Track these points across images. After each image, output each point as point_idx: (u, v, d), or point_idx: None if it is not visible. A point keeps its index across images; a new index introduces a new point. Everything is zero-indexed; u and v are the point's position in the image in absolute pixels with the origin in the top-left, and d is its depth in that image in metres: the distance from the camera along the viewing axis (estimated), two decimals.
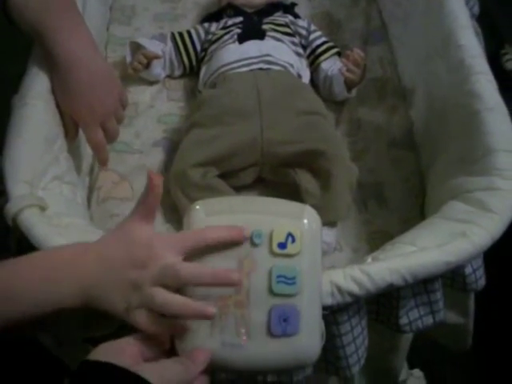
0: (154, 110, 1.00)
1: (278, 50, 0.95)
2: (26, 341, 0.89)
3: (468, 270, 0.64)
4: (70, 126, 0.78)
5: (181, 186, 0.84)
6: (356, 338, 0.64)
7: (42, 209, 0.62)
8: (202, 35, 1.02)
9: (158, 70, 1.01)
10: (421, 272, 0.60)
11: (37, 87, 0.73)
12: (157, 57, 0.98)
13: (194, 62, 1.03)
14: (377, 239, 0.86)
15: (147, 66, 0.98)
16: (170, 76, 1.04)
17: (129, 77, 1.02)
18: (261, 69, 0.92)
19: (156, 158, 0.94)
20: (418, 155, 0.95)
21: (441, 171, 0.82)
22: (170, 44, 1.02)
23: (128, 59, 1.00)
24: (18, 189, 0.62)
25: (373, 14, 1.15)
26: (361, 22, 1.14)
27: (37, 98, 0.71)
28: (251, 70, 0.92)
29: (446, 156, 0.81)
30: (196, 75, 1.03)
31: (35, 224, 0.59)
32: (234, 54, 0.94)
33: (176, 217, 0.86)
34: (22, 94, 0.71)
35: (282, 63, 0.93)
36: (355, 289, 0.58)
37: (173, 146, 0.94)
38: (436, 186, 0.82)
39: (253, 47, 0.95)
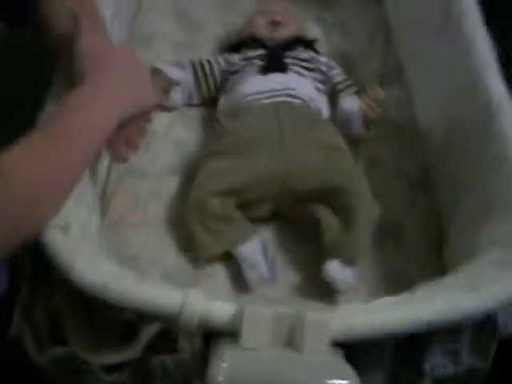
0: (171, 137, 0.99)
1: (300, 84, 0.95)
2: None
3: (501, 317, 0.62)
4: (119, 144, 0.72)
5: (198, 215, 0.82)
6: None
7: (65, 229, 0.59)
8: (222, 65, 1.02)
9: (177, 97, 1.00)
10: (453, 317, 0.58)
11: None
12: (177, 84, 0.98)
13: (214, 92, 1.02)
14: (394, 281, 0.85)
15: (167, 92, 0.97)
16: (187, 104, 1.03)
17: None
18: (283, 102, 0.91)
19: (171, 184, 0.92)
20: (434, 197, 0.95)
21: (465, 215, 0.81)
22: (189, 72, 1.02)
23: None
24: None
25: (389, 54, 1.16)
26: (377, 63, 1.15)
27: None
28: (273, 102, 0.91)
29: (470, 200, 0.80)
30: (213, 104, 1.02)
31: (61, 247, 0.57)
32: (257, 85, 0.94)
33: (191, 245, 0.84)
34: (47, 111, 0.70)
35: (303, 97, 0.93)
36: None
37: (189, 174, 0.93)
38: (460, 229, 0.81)
39: (276, 80, 0.94)
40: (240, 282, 0.82)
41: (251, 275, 0.80)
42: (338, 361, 0.52)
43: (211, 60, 1.03)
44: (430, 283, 0.66)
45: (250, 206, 0.86)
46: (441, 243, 0.89)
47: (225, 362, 0.50)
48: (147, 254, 0.82)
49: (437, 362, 0.66)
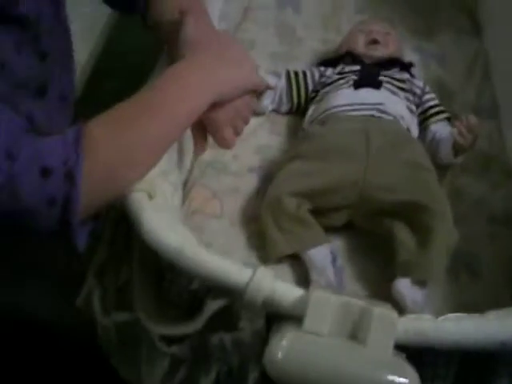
0: (255, 139, 1.01)
1: (391, 102, 0.94)
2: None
3: None
4: (200, 134, 0.74)
5: (273, 213, 0.83)
6: None
7: (150, 196, 0.62)
8: (317, 77, 1.04)
9: (267, 102, 1.02)
10: None
11: None
12: (270, 88, 1.00)
13: (303, 102, 1.04)
14: (463, 311, 0.81)
15: (259, 95, 1.00)
16: (276, 110, 1.05)
17: None
18: (372, 116, 0.91)
19: (250, 182, 0.94)
20: None
21: None
22: (283, 80, 1.04)
23: None
24: None
25: (486, 88, 1.14)
26: (472, 95, 1.13)
27: None
28: (363, 116, 0.91)
29: None
30: (301, 114, 1.04)
31: (144, 208, 0.59)
32: (348, 97, 0.95)
33: (261, 244, 0.85)
34: None
35: (394, 114, 0.93)
36: None
37: (267, 175, 0.94)
38: None
39: (368, 94, 0.95)
40: (305, 286, 0.81)
41: (318, 280, 0.79)
42: (401, 360, 0.50)
43: (307, 71, 1.05)
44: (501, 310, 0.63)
45: (324, 213, 0.86)
46: None
47: (285, 341, 0.49)
48: (218, 245, 0.83)
49: None
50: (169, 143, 0.65)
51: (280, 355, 0.48)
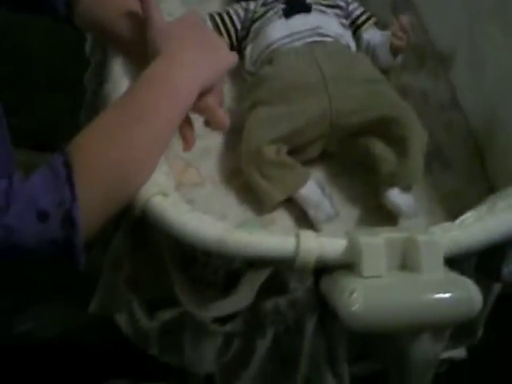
0: None
1: (326, 23, 0.95)
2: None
3: None
4: (188, 128, 0.71)
5: (256, 165, 0.84)
6: None
7: (166, 195, 0.61)
8: (242, 14, 1.01)
9: None
10: None
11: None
12: None
13: (235, 43, 1.02)
14: (447, 200, 0.89)
15: None
16: None
17: None
18: (315, 41, 0.92)
19: (216, 140, 0.93)
20: (466, 117, 0.98)
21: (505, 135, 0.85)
22: (209, 25, 1.01)
23: None
24: None
25: None
26: None
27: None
28: (306, 44, 0.92)
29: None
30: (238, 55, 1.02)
31: (168, 210, 0.58)
32: (283, 29, 0.94)
33: (251, 196, 0.86)
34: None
35: (333, 35, 0.94)
36: None
37: (231, 127, 0.93)
38: (504, 149, 0.85)
39: (301, 21, 0.94)
40: (305, 224, 0.85)
41: (317, 214, 0.83)
42: (456, 275, 0.55)
43: (230, 11, 1.02)
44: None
45: (300, 150, 0.88)
46: (482, 157, 0.94)
47: (356, 292, 0.52)
48: (214, 210, 0.84)
49: None
50: (164, 147, 0.63)
51: (358, 308, 0.51)
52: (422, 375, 0.78)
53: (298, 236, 0.57)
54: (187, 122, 0.70)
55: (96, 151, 0.57)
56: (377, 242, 0.55)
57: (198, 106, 0.67)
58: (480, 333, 0.83)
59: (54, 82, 1.44)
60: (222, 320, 0.66)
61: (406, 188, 0.84)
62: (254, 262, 0.59)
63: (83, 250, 0.55)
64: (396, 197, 0.83)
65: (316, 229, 0.84)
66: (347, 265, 0.57)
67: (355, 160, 0.90)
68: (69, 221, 0.52)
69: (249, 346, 0.70)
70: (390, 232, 0.58)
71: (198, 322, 0.66)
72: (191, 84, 0.64)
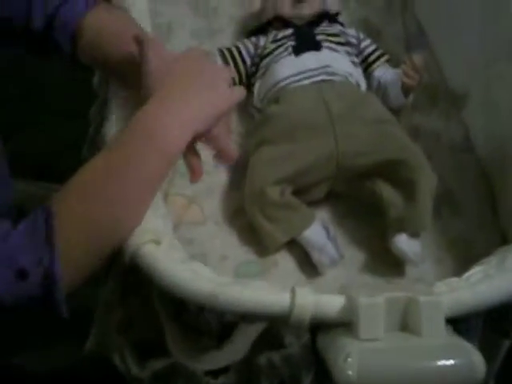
0: None
1: (336, 61, 0.94)
2: None
3: None
4: (195, 160, 0.68)
5: (259, 206, 0.82)
6: None
7: (157, 242, 0.59)
8: (252, 50, 1.00)
9: None
10: None
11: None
12: None
13: (244, 79, 1.01)
14: (456, 246, 0.86)
15: None
16: None
17: None
18: (323, 80, 0.90)
19: (221, 177, 0.91)
20: (479, 158, 0.96)
21: None
22: (218, 60, 1.00)
23: None
24: None
25: (410, 19, 1.15)
26: (398, 28, 1.14)
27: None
28: (314, 83, 0.90)
29: None
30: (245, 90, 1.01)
31: (159, 259, 0.56)
32: (292, 66, 0.93)
33: (253, 237, 0.84)
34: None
35: (342, 73, 0.92)
36: None
37: (235, 166, 0.92)
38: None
39: (311, 59, 0.93)
40: (308, 267, 0.82)
41: (321, 258, 0.80)
42: (458, 339, 0.52)
43: (240, 46, 1.01)
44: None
45: (306, 191, 0.86)
46: (494, 202, 0.90)
47: (351, 358, 0.50)
48: (214, 250, 0.82)
49: None
50: (150, 200, 0.61)
51: (352, 373, 0.49)
52: None
53: (293, 292, 0.55)
54: (194, 153, 0.68)
55: (76, 208, 0.56)
56: (376, 303, 0.53)
57: (206, 138, 0.66)
58: None
59: (64, 108, 1.45)
60: (215, 372, 0.63)
61: (414, 234, 0.81)
62: (248, 317, 0.57)
63: (65, 301, 0.54)
64: (403, 243, 0.80)
65: (319, 272, 0.82)
66: (344, 323, 0.55)
67: (362, 202, 0.87)
68: (49, 278, 0.52)
69: None
70: (390, 291, 0.55)
71: (191, 373, 0.64)
72: (183, 128, 0.61)
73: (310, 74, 0.91)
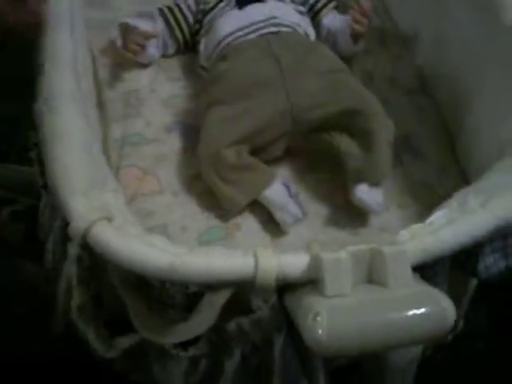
0: (156, 94, 0.94)
1: (281, 11, 0.90)
2: None
3: None
4: None
5: (216, 169, 0.79)
6: None
7: (110, 219, 0.56)
8: (193, 6, 0.96)
9: (153, 50, 0.94)
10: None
11: (60, 88, 0.66)
12: (154, 36, 0.91)
13: (188, 37, 0.96)
14: (418, 191, 0.85)
15: (144, 47, 0.91)
16: (163, 55, 0.97)
17: (119, 63, 0.95)
18: (270, 33, 0.87)
19: (174, 144, 0.88)
20: (434, 101, 0.94)
21: (479, 117, 0.80)
22: (159, 21, 0.95)
23: (119, 43, 0.92)
24: (77, 202, 0.56)
25: None
26: None
27: (64, 101, 0.64)
28: (261, 36, 0.86)
29: (481, 102, 0.79)
30: (191, 50, 0.97)
31: (112, 237, 0.53)
32: (237, 21, 0.89)
33: (214, 202, 0.81)
34: (45, 97, 0.64)
35: (289, 24, 0.89)
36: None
37: (188, 129, 0.89)
38: (474, 133, 0.81)
39: (255, 11, 0.89)
40: (272, 227, 0.81)
41: (283, 217, 0.78)
42: (426, 287, 0.52)
43: (180, 4, 0.96)
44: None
45: (264, 149, 0.83)
46: (453, 144, 0.90)
47: (320, 316, 0.48)
48: (175, 220, 0.79)
49: (489, 261, 0.67)
50: None
51: (322, 332, 0.48)
52: (403, 374, 0.75)
53: (255, 256, 0.53)
54: None
55: None
56: (340, 258, 0.51)
57: None
58: (460, 325, 0.81)
59: None
60: (184, 344, 0.62)
61: (375, 183, 0.80)
62: (212, 286, 0.55)
63: None
64: (364, 193, 0.78)
65: (284, 231, 0.80)
66: (311, 282, 0.53)
67: (321, 156, 0.85)
68: None
69: (217, 367, 0.66)
70: (355, 244, 0.54)
71: (160, 348, 0.62)
72: None
73: (256, 26, 0.87)
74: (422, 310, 0.49)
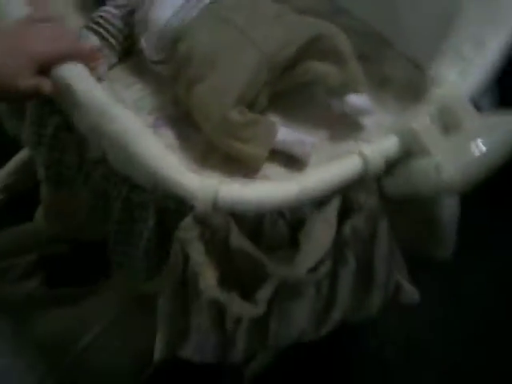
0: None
1: None
2: None
3: None
4: None
5: (228, 134, 0.83)
6: None
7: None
8: (115, 11, 0.97)
9: (103, 68, 0.94)
10: None
11: None
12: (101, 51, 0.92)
13: (124, 42, 0.98)
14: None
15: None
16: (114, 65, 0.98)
17: None
18: (210, 3, 0.91)
19: (168, 136, 0.89)
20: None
21: None
22: (92, 39, 0.95)
23: None
24: (190, 178, 0.59)
25: None
26: None
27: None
28: (202, 9, 0.91)
29: None
30: (129, 54, 0.99)
31: (241, 189, 0.57)
32: (170, 5, 0.91)
33: (233, 167, 0.85)
34: None
35: None
36: None
37: (172, 119, 0.91)
38: None
39: None
40: (293, 163, 0.86)
41: (304, 149, 0.85)
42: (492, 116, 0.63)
43: (102, 14, 0.97)
44: None
45: (252, 105, 0.89)
46: None
47: (440, 165, 0.57)
48: None
49: None
50: None
51: (453, 174, 0.57)
52: (450, 232, 0.87)
53: (360, 153, 0.60)
54: None
55: None
56: (422, 121, 0.60)
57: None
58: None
59: None
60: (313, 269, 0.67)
61: (359, 91, 0.89)
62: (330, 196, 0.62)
63: None
64: (355, 100, 0.88)
65: (304, 162, 0.87)
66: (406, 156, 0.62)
67: (305, 94, 0.93)
68: None
69: (334, 281, 0.72)
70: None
71: (292, 284, 0.67)
72: None
73: (193, 3, 0.91)
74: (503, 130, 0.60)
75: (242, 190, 0.58)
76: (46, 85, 0.69)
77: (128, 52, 1.00)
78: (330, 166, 0.62)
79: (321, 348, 1.08)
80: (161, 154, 0.61)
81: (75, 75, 0.66)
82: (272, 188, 0.59)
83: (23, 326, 0.84)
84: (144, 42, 0.95)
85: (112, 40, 0.97)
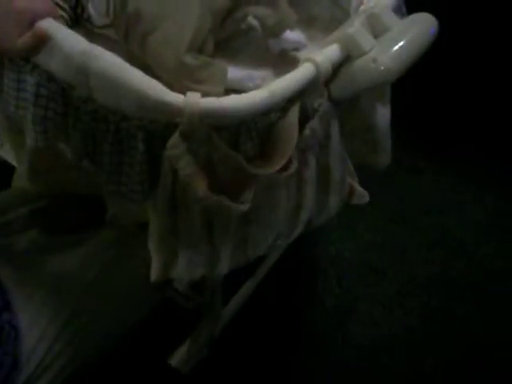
0: None
1: None
2: None
3: None
4: None
5: (185, 78, 0.91)
6: None
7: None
8: None
9: None
10: None
11: None
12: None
13: (71, 12, 1.04)
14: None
15: None
16: None
17: None
18: None
19: None
20: None
21: None
22: None
23: None
24: (173, 95, 0.70)
25: None
26: None
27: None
28: None
29: None
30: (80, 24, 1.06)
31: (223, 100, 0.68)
32: None
33: None
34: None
35: None
36: None
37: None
38: None
39: None
40: None
41: (254, 83, 0.96)
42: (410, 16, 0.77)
43: None
44: None
45: (201, 50, 0.99)
46: None
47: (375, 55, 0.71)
48: None
49: None
50: None
51: (388, 62, 0.70)
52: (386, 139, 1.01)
53: (312, 60, 0.72)
54: None
55: None
56: (356, 25, 0.73)
57: None
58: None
59: None
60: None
61: (291, 28, 1.01)
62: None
63: None
64: (290, 35, 1.00)
65: None
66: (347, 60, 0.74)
67: (245, 39, 1.03)
68: None
69: (300, 183, 0.84)
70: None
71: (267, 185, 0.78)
72: None
73: None
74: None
75: (222, 102, 0.69)
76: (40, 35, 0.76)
77: (76, 22, 1.06)
78: (290, 74, 0.73)
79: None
80: (145, 80, 0.70)
81: (57, 26, 0.73)
82: (246, 96, 0.70)
83: (30, 271, 0.91)
84: (91, 8, 1.03)
85: (65, 5, 1.03)
